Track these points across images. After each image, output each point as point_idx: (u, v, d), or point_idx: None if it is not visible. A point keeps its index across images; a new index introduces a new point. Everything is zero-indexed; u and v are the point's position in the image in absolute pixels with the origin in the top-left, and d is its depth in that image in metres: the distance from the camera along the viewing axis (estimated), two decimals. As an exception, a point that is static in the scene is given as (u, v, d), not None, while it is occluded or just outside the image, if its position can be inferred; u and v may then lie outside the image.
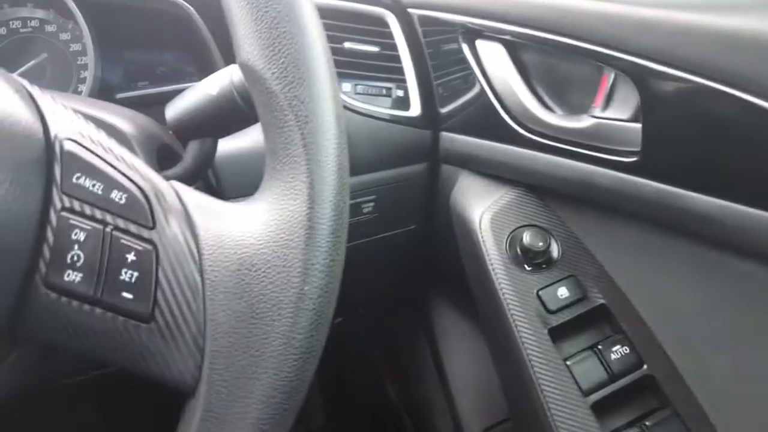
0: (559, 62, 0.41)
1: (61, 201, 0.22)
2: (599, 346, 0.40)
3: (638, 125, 0.35)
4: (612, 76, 0.37)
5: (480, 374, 0.58)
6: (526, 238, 0.43)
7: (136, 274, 0.22)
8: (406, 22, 0.53)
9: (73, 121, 0.24)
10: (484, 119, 0.46)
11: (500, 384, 0.50)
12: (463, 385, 0.60)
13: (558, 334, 0.40)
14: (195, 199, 0.25)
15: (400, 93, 0.53)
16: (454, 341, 0.62)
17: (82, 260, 0.22)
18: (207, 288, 0.23)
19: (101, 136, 0.25)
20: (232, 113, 0.36)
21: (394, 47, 0.53)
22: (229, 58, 0.51)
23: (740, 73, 0.30)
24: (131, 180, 0.24)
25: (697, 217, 0.33)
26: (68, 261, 0.22)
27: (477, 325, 0.57)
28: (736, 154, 0.31)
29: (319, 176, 0.24)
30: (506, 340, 0.42)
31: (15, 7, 0.54)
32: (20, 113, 0.23)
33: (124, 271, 0.22)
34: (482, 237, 0.44)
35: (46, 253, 0.22)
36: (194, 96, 0.36)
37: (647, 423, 0.37)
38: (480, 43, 0.46)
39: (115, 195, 0.23)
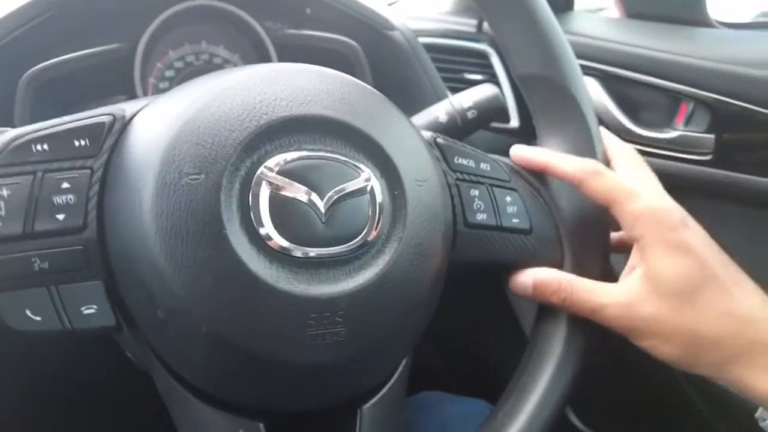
0: (640, 92, 0.60)
1: (454, 173, 0.35)
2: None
3: (711, 135, 0.55)
4: (691, 104, 0.56)
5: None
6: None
7: (516, 207, 0.36)
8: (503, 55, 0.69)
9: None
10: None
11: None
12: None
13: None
14: (512, 163, 0.39)
15: (505, 113, 0.69)
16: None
17: (482, 206, 0.35)
18: (552, 206, 0.37)
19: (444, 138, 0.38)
20: (452, 133, 0.51)
21: (495, 75, 0.69)
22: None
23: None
24: (488, 157, 0.37)
25: (752, 190, 0.54)
26: (474, 208, 0.34)
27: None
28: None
29: (593, 129, 0.38)
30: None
31: (193, 43, 0.64)
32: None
33: (508, 207, 0.36)
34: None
35: (458, 205, 0.34)
36: (426, 118, 0.50)
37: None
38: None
39: (483, 166, 0.36)
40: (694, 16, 0.66)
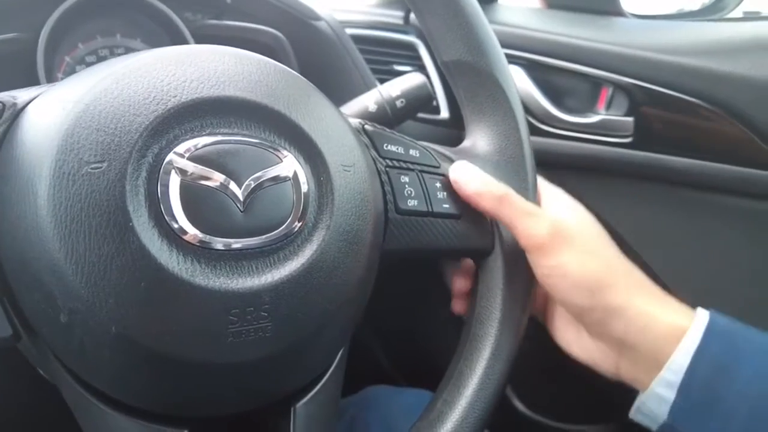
0: (563, 79, 0.62)
1: (383, 160, 0.34)
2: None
3: (630, 119, 0.57)
4: (611, 89, 0.58)
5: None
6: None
7: (446, 192, 0.36)
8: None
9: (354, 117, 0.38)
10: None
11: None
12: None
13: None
14: (440, 149, 0.39)
15: (432, 102, 0.69)
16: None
17: (413, 192, 0.34)
18: None
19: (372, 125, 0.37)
20: (381, 121, 0.50)
21: (424, 67, 0.69)
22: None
23: (693, 89, 0.53)
24: (418, 143, 0.37)
25: (669, 169, 0.56)
26: (405, 194, 0.34)
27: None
28: (694, 133, 0.55)
29: (518, 113, 0.39)
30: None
31: (107, 37, 0.60)
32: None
33: (438, 192, 0.35)
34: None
35: (389, 192, 0.34)
36: (356, 108, 0.49)
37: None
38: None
39: (413, 152, 0.36)
40: (608, 7, 0.68)
